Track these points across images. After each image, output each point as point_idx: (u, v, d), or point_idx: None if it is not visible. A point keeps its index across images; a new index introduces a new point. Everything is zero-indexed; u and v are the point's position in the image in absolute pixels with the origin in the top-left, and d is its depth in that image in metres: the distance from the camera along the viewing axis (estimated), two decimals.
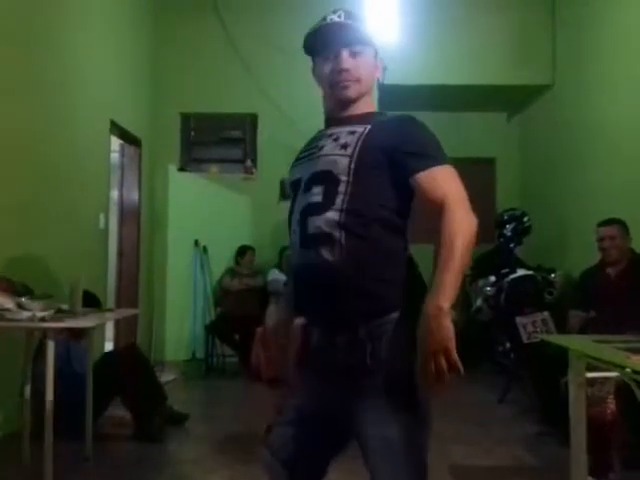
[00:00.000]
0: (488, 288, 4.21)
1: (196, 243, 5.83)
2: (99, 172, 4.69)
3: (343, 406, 1.36)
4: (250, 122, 5.95)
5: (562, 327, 3.84)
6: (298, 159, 1.55)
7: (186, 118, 6.03)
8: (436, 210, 1.31)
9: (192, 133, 6.07)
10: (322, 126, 1.56)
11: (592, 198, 4.94)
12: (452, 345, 1.22)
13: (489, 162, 6.92)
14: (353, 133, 1.42)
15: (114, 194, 5.34)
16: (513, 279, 4.36)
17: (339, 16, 1.48)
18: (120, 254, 5.44)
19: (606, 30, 4.90)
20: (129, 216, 5.48)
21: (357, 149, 1.39)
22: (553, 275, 4.67)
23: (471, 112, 6.67)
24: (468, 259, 1.28)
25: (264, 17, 5.72)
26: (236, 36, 5.79)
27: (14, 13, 3.37)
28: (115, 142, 5.17)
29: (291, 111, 5.65)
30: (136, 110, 5.46)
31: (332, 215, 1.36)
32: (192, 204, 5.85)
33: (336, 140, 1.43)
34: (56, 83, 3.89)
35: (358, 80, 1.47)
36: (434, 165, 1.36)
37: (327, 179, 1.40)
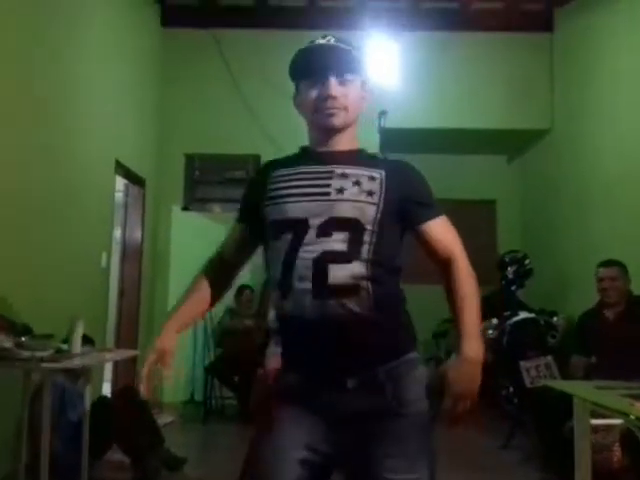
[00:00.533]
0: (490, 331, 4.18)
1: None
2: (103, 211, 4.72)
3: (354, 452, 1.31)
4: (253, 163, 6.01)
5: (565, 371, 3.80)
6: (285, 194, 1.38)
7: (190, 158, 6.11)
8: (443, 257, 1.41)
9: (196, 173, 6.13)
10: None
11: (592, 241, 4.95)
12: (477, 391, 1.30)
13: (490, 204, 6.96)
14: (374, 179, 1.37)
15: (117, 233, 5.36)
16: (515, 322, 4.33)
17: (329, 40, 1.42)
18: (121, 293, 5.42)
19: (603, 76, 4.99)
20: (131, 255, 5.49)
21: (382, 198, 1.35)
22: (555, 318, 4.64)
23: (472, 155, 6.75)
24: None
25: (267, 60, 5.84)
26: (240, 78, 5.91)
27: (19, 52, 3.45)
28: (120, 181, 5.22)
29: (293, 152, 5.71)
30: (141, 150, 5.53)
31: (359, 266, 1.30)
32: (195, 243, 5.85)
33: (358, 185, 1.35)
34: (63, 123, 3.95)
35: (345, 109, 1.40)
36: (439, 214, 1.44)
37: (353, 226, 1.32)
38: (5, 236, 3.22)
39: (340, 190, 1.34)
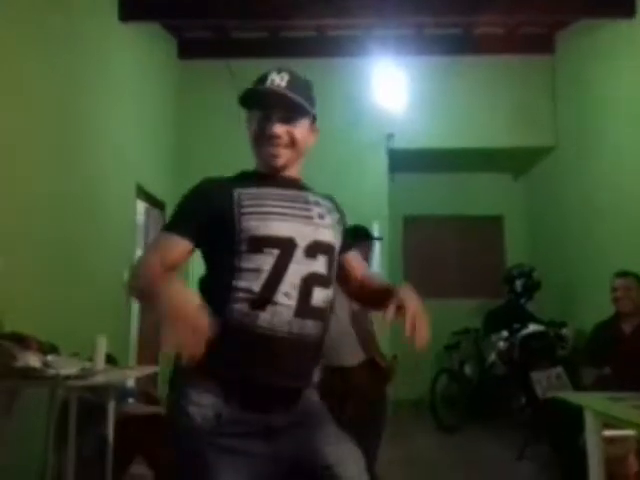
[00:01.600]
0: (501, 343, 4.13)
1: None
2: (125, 233, 4.75)
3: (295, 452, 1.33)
4: None
5: (575, 381, 3.73)
6: (267, 211, 1.33)
7: None
8: (355, 277, 1.52)
9: None
10: (330, 189, 1.61)
11: (598, 254, 4.89)
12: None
13: (497, 219, 6.92)
14: (333, 210, 1.49)
15: (138, 254, 5.38)
16: (525, 335, 4.27)
17: (282, 78, 1.39)
18: (143, 310, 5.43)
19: (604, 96, 4.97)
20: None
21: (341, 229, 1.48)
22: (564, 330, 4.58)
23: (478, 173, 6.73)
24: None
25: None
26: None
27: (51, 86, 3.50)
28: (140, 205, 5.26)
29: (305, 173, 5.73)
30: (160, 175, 5.58)
31: (331, 292, 1.40)
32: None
33: (330, 213, 1.45)
34: (88, 150, 4.00)
35: (290, 145, 1.39)
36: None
37: (330, 252, 1.39)
38: (33, 259, 3.24)
39: (321, 216, 1.41)
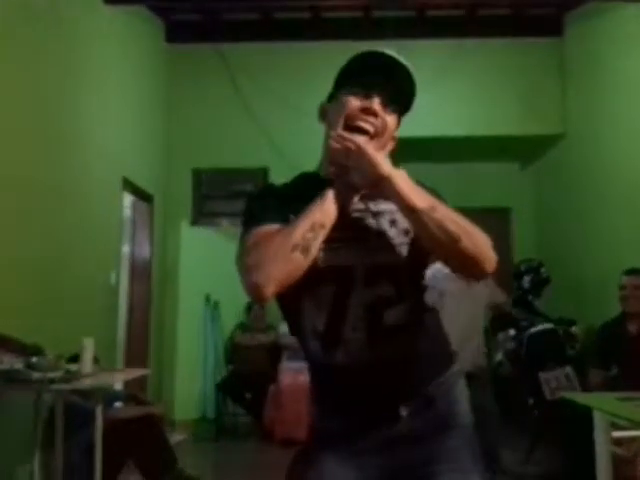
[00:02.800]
0: (508, 342, 4.16)
1: (207, 298, 5.85)
2: (111, 228, 4.77)
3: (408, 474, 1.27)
4: (261, 176, 6.06)
5: (585, 381, 3.77)
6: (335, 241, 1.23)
7: (197, 173, 6.16)
8: None
9: (203, 188, 6.18)
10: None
11: (611, 247, 4.92)
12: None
13: (504, 212, 6.95)
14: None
15: (125, 249, 5.41)
16: (534, 333, 4.31)
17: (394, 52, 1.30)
18: (130, 310, 5.46)
19: (615, 79, 5.00)
20: (140, 271, 5.53)
21: (413, 233, 1.30)
22: (574, 328, 4.61)
23: (484, 162, 6.75)
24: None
25: (275, 74, 5.91)
26: (247, 92, 5.96)
27: (31, 69, 3.52)
28: (127, 198, 5.27)
29: (301, 165, 5.75)
30: (148, 167, 5.59)
31: (407, 305, 1.28)
32: (203, 259, 5.90)
33: (394, 224, 1.29)
34: (71, 141, 4.02)
35: (375, 136, 1.31)
36: None
37: (396, 271, 1.28)
38: (13, 256, 3.26)
39: (379, 234, 1.28)
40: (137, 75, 5.39)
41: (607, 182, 5.09)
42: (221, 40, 5.96)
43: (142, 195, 5.48)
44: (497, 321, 4.72)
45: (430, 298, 1.36)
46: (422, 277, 1.36)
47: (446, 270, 1.31)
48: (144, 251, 5.59)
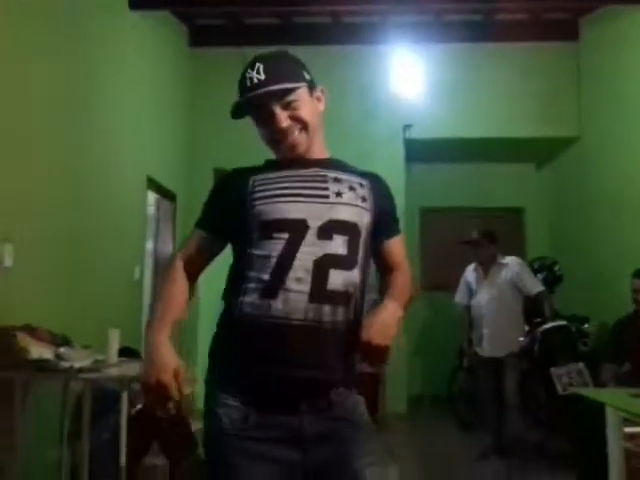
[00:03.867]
0: (521, 338, 4.15)
1: None
2: (136, 225, 4.84)
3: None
4: None
5: (598, 378, 3.75)
6: (279, 194, 1.33)
7: (219, 173, 6.20)
8: (392, 268, 1.47)
9: None
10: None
11: (623, 246, 4.88)
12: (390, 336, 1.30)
13: (518, 212, 6.92)
14: (362, 186, 1.40)
15: (149, 246, 5.47)
16: (547, 329, 4.29)
17: (258, 72, 1.37)
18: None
19: (631, 82, 4.95)
20: (163, 268, 5.58)
21: (373, 205, 1.39)
22: (587, 325, 4.58)
23: (499, 163, 6.72)
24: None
25: None
26: None
27: (60, 78, 3.58)
28: (151, 196, 5.34)
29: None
30: (172, 166, 5.65)
31: (355, 274, 1.32)
32: (223, 257, 5.93)
33: (353, 190, 1.37)
34: (98, 142, 4.07)
35: (303, 128, 1.38)
36: (400, 232, 1.51)
37: (351, 231, 1.33)
38: (43, 251, 3.33)
39: (338, 194, 1.35)
40: (162, 78, 5.44)
41: (620, 184, 5.05)
42: (243, 44, 5.99)
43: (166, 193, 5.54)
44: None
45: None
46: (367, 255, 1.39)
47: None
48: (167, 248, 5.65)
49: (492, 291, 4.15)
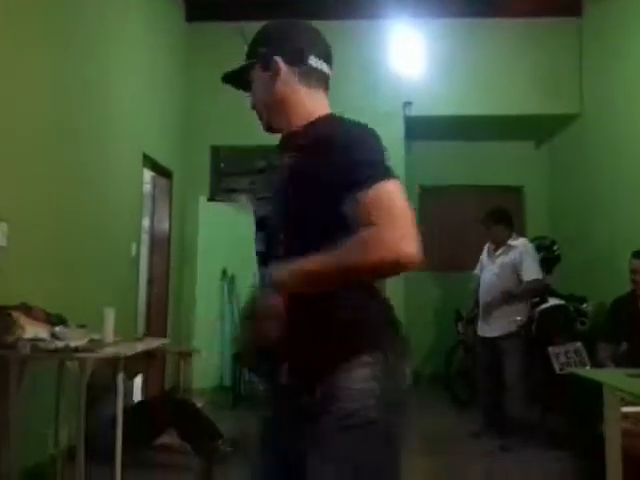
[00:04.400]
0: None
1: (224, 272, 5.87)
2: (132, 203, 4.79)
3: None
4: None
5: (595, 357, 3.75)
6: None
7: (216, 150, 6.14)
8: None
9: (222, 164, 6.17)
10: None
11: (622, 226, 4.86)
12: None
13: (517, 190, 6.88)
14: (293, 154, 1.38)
15: (145, 223, 5.43)
16: (544, 309, 4.28)
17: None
18: (150, 282, 5.50)
19: (634, 59, 4.87)
20: (159, 245, 5.57)
21: (293, 189, 1.33)
22: (585, 305, 4.58)
23: (499, 141, 6.66)
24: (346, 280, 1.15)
25: None
26: None
27: (52, 53, 3.50)
28: (147, 174, 5.28)
29: None
30: (168, 143, 5.59)
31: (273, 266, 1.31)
32: (221, 233, 5.92)
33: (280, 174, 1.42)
34: (91, 118, 4.01)
35: (265, 108, 1.40)
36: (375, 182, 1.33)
37: (266, 226, 1.38)
38: (38, 229, 3.29)
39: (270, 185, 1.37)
40: (158, 53, 5.35)
41: (621, 162, 5.00)
42: (241, 18, 5.88)
43: (162, 171, 5.49)
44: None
45: None
46: (296, 243, 1.23)
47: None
48: (163, 225, 5.61)
49: (495, 271, 4.15)
